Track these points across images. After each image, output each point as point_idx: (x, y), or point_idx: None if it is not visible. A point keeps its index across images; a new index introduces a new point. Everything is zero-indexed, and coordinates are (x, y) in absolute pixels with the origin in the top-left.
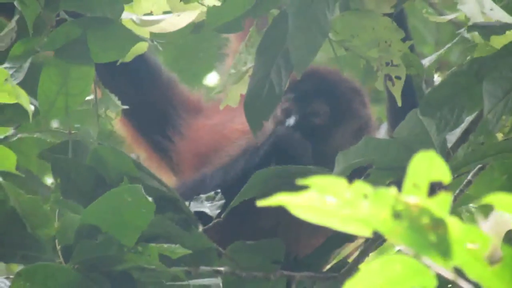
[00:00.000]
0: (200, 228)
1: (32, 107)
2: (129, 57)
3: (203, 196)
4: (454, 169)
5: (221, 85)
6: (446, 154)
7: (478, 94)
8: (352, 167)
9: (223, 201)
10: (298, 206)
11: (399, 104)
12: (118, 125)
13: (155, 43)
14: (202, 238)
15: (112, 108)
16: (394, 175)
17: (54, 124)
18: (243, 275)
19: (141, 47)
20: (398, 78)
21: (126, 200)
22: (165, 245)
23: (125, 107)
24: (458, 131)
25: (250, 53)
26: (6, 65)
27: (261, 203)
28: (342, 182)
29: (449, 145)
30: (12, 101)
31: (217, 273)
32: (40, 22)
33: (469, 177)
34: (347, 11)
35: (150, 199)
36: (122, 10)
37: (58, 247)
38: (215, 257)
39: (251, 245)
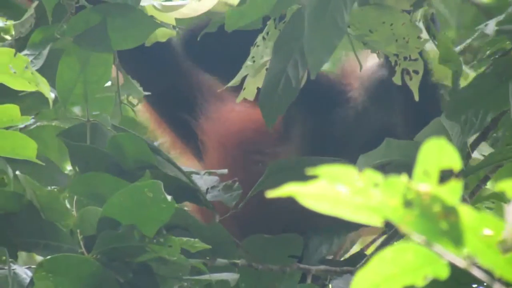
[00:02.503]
0: (217, 219)
1: (52, 95)
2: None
3: (220, 185)
4: (475, 169)
5: (237, 76)
6: (467, 154)
7: (502, 96)
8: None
9: (240, 191)
10: (308, 196)
11: (416, 98)
12: (141, 112)
13: (177, 29)
14: (220, 230)
15: (134, 94)
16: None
17: (75, 111)
18: (259, 267)
19: (169, 32)
20: (416, 72)
21: (147, 195)
22: (185, 239)
23: (147, 93)
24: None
25: (267, 46)
26: (25, 52)
27: (270, 194)
28: (352, 170)
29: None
30: (32, 88)
31: (233, 266)
32: (60, 9)
33: (486, 173)
34: (366, 5)
35: (169, 197)
36: None
37: (80, 237)
38: (234, 250)
39: (268, 239)
